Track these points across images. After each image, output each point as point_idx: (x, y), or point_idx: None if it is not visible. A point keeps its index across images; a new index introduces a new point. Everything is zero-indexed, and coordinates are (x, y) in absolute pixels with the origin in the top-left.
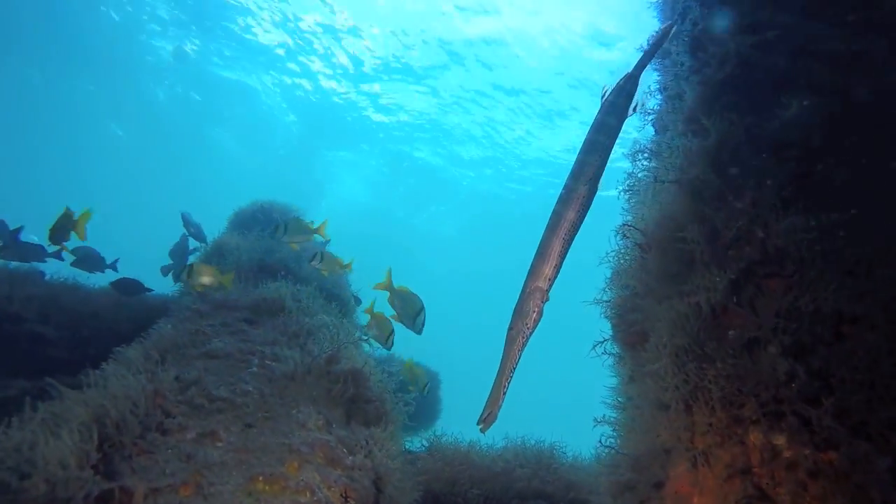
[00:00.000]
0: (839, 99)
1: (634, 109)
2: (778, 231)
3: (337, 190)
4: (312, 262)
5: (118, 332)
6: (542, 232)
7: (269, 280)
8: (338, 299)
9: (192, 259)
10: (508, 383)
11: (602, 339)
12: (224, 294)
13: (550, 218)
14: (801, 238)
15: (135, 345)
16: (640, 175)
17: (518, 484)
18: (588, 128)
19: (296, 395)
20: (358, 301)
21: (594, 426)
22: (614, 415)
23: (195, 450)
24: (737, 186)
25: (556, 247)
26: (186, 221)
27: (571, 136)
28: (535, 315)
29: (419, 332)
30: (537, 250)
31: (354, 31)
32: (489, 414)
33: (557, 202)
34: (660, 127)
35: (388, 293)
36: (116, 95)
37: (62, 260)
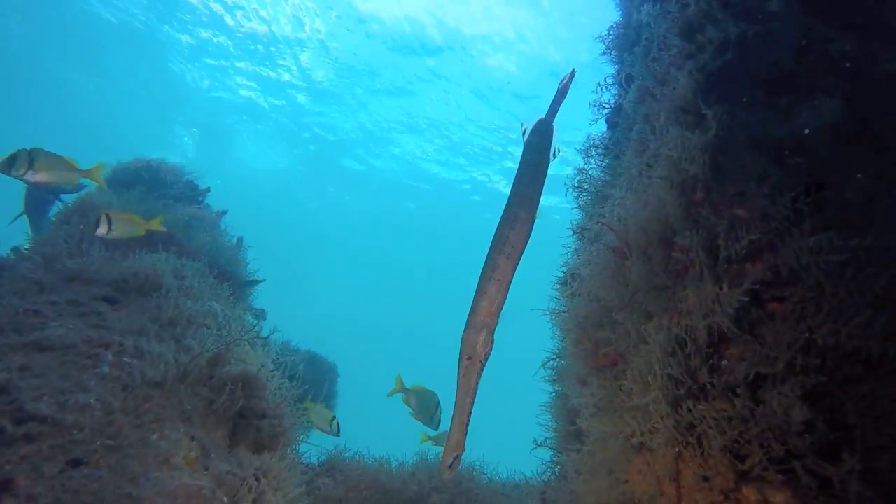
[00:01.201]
0: (849, 106)
1: (555, 155)
2: (797, 249)
3: (240, 154)
4: (98, 231)
5: None
6: (488, 253)
7: (147, 251)
8: (232, 279)
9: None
10: (469, 420)
11: (553, 357)
12: (81, 263)
13: (495, 240)
14: (824, 260)
15: None
16: (592, 172)
17: None
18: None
19: (160, 411)
20: (255, 282)
21: (532, 449)
22: (552, 437)
23: None
24: (742, 191)
25: (506, 271)
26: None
27: None
28: (489, 346)
29: (437, 427)
30: (483, 272)
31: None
32: (455, 458)
33: (503, 226)
34: (621, 120)
35: (402, 395)
36: None
37: None
